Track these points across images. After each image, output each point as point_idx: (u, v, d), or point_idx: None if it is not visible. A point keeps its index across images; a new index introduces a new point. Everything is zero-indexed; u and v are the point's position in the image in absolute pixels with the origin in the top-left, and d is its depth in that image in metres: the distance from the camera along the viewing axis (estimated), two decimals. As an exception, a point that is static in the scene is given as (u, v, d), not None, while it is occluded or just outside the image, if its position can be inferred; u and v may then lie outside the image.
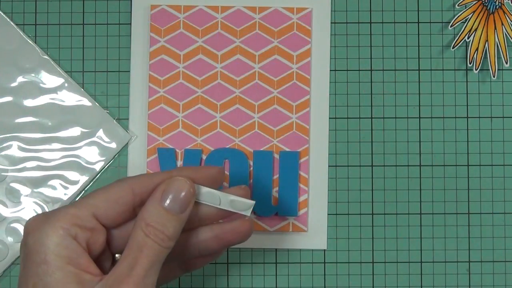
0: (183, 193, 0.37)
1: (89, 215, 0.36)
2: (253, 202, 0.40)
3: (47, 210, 0.52)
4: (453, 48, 0.53)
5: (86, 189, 0.52)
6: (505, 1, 0.53)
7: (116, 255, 0.40)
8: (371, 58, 0.53)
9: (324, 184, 0.53)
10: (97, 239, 0.37)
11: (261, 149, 0.52)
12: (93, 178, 0.52)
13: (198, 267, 0.43)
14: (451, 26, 0.53)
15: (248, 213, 0.40)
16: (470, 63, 0.53)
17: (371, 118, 0.53)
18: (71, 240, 0.35)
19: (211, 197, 0.39)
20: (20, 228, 0.52)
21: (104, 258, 0.39)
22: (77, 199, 0.39)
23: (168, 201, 0.36)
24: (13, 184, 0.52)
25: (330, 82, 0.53)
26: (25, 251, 0.35)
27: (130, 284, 0.34)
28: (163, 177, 0.38)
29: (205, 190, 0.39)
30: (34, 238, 0.35)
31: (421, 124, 0.53)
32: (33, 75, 0.53)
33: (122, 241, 0.39)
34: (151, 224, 0.36)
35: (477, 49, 0.53)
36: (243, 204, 0.40)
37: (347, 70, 0.53)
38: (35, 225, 0.36)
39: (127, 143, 0.53)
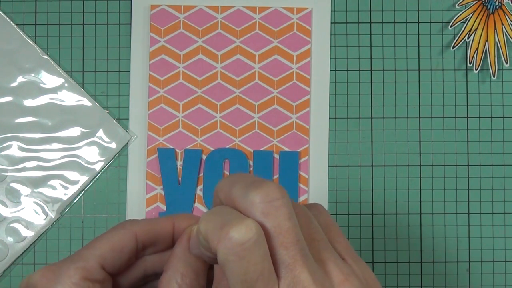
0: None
1: (97, 267, 0.36)
2: None
3: (47, 210, 0.52)
4: (453, 48, 0.53)
5: (86, 189, 0.53)
6: (505, 1, 0.53)
7: None
8: (371, 58, 0.53)
9: (324, 184, 0.53)
10: None
11: (261, 149, 0.52)
12: (93, 178, 0.53)
13: None
14: (451, 26, 0.53)
15: None
16: (470, 63, 0.53)
17: (371, 118, 0.53)
18: None
19: None
20: (20, 228, 0.52)
21: None
22: (80, 248, 0.38)
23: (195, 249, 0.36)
24: (13, 184, 0.52)
25: (330, 82, 0.53)
26: None
27: None
28: (166, 223, 0.38)
29: None
30: None
31: (421, 124, 0.53)
32: (33, 75, 0.53)
33: (124, 286, 0.39)
34: (185, 274, 0.36)
35: (477, 49, 0.53)
36: None
37: (347, 70, 0.53)
38: (45, 284, 0.35)
39: (127, 143, 0.53)
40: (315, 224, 0.33)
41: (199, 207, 0.52)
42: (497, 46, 0.52)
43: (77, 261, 0.36)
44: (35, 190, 0.52)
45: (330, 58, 0.53)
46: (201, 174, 0.52)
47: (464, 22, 0.53)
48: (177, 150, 0.52)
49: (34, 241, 0.52)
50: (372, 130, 0.53)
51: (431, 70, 0.54)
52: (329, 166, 0.53)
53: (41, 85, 0.53)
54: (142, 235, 0.37)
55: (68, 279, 0.35)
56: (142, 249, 0.38)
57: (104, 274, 0.37)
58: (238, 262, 0.29)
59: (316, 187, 0.53)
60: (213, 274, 0.39)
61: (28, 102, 0.53)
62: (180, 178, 0.52)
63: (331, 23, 0.54)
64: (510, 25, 0.52)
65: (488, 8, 0.53)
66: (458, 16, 0.53)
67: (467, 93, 0.53)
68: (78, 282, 0.35)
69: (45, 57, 0.53)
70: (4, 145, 0.52)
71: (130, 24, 0.53)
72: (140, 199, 0.52)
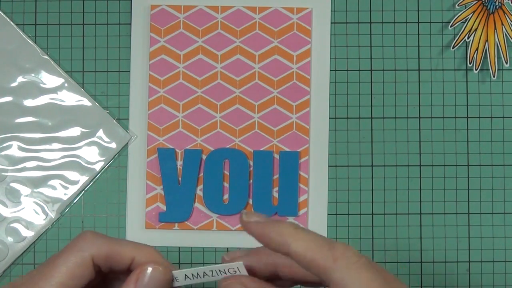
0: (158, 283, 0.36)
1: None
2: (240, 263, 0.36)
3: (47, 210, 0.52)
4: (453, 48, 0.53)
5: (86, 189, 0.53)
6: (505, 1, 0.53)
7: None
8: (371, 58, 0.53)
9: (324, 184, 0.53)
10: None
11: (261, 149, 0.52)
12: (93, 178, 0.52)
13: None
14: (451, 26, 0.53)
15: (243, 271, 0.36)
16: (470, 63, 0.53)
17: (371, 118, 0.53)
18: None
19: (198, 273, 0.36)
20: (20, 228, 0.52)
21: None
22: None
23: None
24: (13, 184, 0.52)
25: (330, 82, 0.53)
26: None
27: None
28: (126, 253, 0.36)
29: (189, 272, 0.36)
30: None
31: (421, 124, 0.53)
32: (33, 75, 0.53)
33: None
34: None
35: (477, 49, 0.53)
36: (232, 268, 0.36)
37: (347, 70, 0.53)
38: None
39: (127, 143, 0.53)
40: None
41: (199, 207, 0.52)
42: (497, 46, 0.52)
43: None
44: (35, 190, 0.52)
45: (330, 58, 0.53)
46: (201, 174, 0.52)
47: (464, 22, 0.53)
48: (177, 150, 0.52)
49: (34, 241, 0.52)
50: (372, 130, 0.53)
51: (431, 70, 0.54)
52: (329, 166, 0.53)
53: (41, 85, 0.53)
54: (99, 261, 0.36)
55: None
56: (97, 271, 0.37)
57: None
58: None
59: (316, 187, 0.53)
60: None
61: (28, 102, 0.53)
62: (180, 178, 0.52)
63: (331, 23, 0.54)
64: (510, 25, 0.52)
65: (488, 8, 0.53)
66: (458, 16, 0.53)
67: (467, 93, 0.53)
68: None
69: (45, 57, 0.53)
70: (4, 145, 0.52)
71: (130, 24, 0.53)
72: (140, 199, 0.52)
